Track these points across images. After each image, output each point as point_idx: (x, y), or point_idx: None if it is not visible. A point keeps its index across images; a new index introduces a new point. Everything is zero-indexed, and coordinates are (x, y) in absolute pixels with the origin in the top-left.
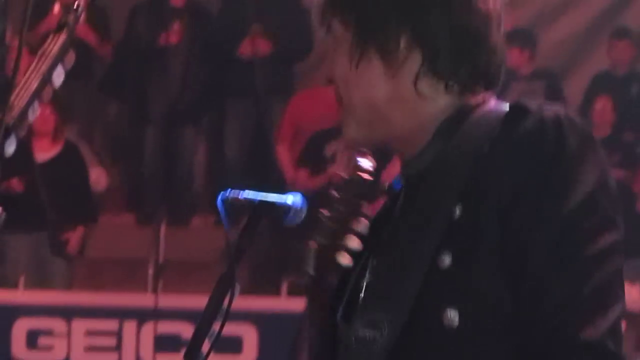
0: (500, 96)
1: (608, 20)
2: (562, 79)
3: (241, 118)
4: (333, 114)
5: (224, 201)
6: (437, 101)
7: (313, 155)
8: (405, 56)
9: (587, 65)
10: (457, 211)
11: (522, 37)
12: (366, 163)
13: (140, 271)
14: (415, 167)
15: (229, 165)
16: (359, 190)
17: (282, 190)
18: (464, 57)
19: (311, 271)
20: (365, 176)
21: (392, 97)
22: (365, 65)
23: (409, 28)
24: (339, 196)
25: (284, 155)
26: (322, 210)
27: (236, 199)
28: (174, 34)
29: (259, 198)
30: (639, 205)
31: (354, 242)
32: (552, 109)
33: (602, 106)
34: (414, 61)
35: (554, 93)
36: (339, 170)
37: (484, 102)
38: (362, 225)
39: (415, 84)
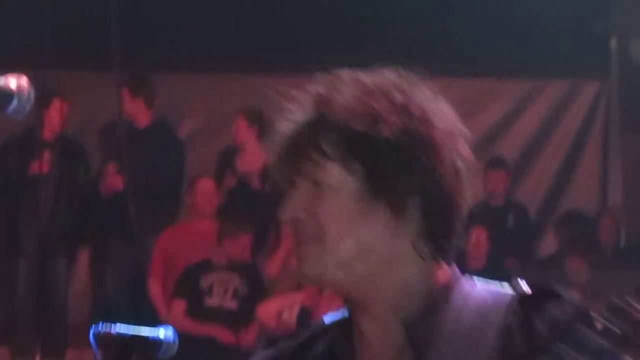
0: None
1: (482, 150)
2: None
3: (117, 252)
4: (202, 247)
5: (96, 335)
6: (426, 264)
7: (189, 288)
8: (411, 215)
9: None
10: None
11: None
12: None
13: None
14: (420, 332)
15: (106, 299)
16: None
17: (158, 324)
18: (457, 226)
19: None
20: None
21: (389, 250)
22: (370, 214)
23: (420, 191)
24: None
25: (156, 289)
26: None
27: (108, 334)
28: (44, 162)
29: (131, 332)
30: None
31: None
32: (575, 297)
33: (477, 237)
34: (417, 221)
35: None
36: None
37: (456, 272)
38: None
39: (414, 243)
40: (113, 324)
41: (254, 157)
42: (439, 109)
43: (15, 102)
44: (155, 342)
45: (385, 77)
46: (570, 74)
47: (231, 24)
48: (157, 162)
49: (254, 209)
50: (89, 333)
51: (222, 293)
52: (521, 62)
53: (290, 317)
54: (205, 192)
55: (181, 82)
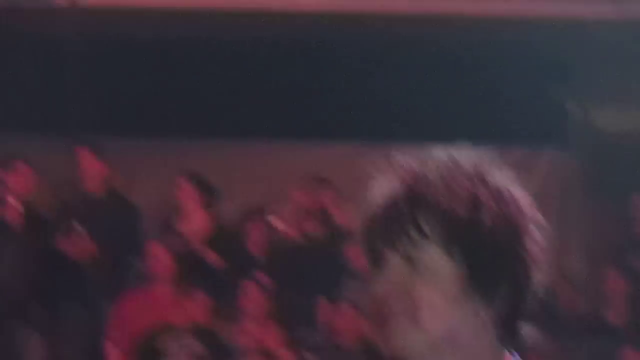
0: None
1: None
2: None
3: (73, 316)
4: (161, 311)
5: None
6: (502, 352)
7: (147, 352)
8: (499, 301)
9: None
10: None
11: None
12: None
13: None
14: None
15: None
16: None
17: None
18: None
19: None
20: None
21: (475, 336)
22: (463, 299)
23: (510, 278)
24: None
25: (114, 354)
26: None
27: None
28: (10, 209)
29: None
30: None
31: None
32: None
33: None
34: (501, 306)
35: None
36: None
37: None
38: None
39: (497, 329)
40: None
41: (196, 220)
42: (519, 191)
43: None
44: None
45: (472, 157)
46: (528, 141)
47: (181, 91)
48: (112, 228)
49: (200, 271)
50: None
51: (181, 357)
52: (477, 129)
53: None
54: (160, 256)
55: (131, 147)
